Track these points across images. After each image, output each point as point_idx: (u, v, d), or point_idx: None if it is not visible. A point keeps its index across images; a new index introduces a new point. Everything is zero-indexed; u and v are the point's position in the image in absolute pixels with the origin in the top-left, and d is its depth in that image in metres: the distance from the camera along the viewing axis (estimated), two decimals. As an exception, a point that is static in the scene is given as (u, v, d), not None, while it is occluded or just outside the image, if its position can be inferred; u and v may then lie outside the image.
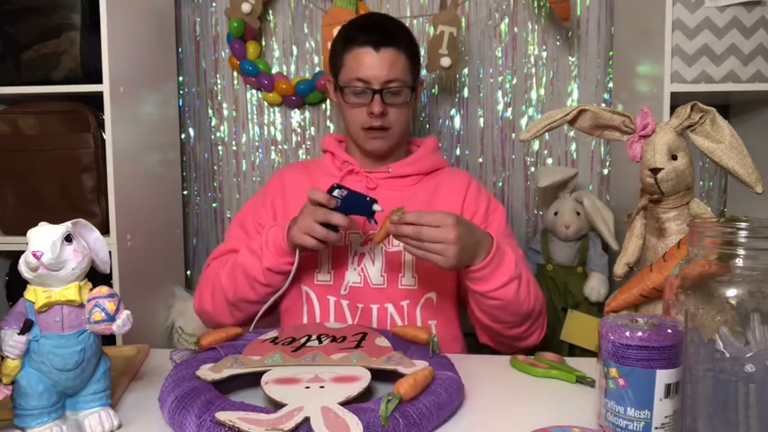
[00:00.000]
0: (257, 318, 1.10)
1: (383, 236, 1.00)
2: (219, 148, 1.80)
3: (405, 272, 1.14)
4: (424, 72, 1.69)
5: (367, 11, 1.59)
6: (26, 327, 0.67)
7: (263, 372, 0.76)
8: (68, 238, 0.68)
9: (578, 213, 1.53)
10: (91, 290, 0.70)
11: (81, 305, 0.69)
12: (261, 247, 1.08)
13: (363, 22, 1.24)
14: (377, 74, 1.15)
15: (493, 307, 1.04)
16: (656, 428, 0.62)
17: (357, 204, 1.03)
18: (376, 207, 1.03)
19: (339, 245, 1.15)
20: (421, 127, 1.76)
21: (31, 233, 0.67)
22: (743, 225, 0.63)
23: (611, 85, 1.69)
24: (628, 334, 0.62)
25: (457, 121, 1.75)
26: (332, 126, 1.76)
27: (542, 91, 1.71)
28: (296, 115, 1.78)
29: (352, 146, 1.27)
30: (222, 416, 0.65)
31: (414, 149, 1.29)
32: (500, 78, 1.72)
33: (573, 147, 1.72)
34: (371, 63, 1.15)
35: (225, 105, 1.79)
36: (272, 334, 0.91)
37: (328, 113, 1.76)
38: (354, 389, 0.71)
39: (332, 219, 1.02)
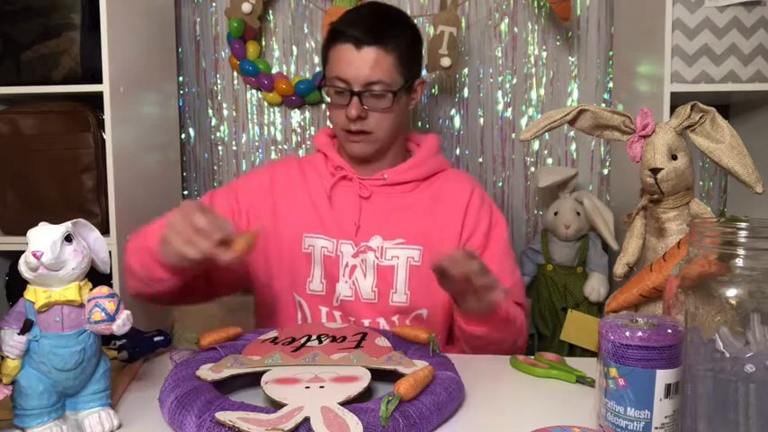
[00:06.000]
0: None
1: (243, 248, 0.82)
2: (219, 148, 1.80)
3: (397, 288, 1.11)
4: (424, 72, 1.69)
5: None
6: (26, 327, 0.67)
7: (263, 372, 0.76)
8: (68, 238, 0.68)
9: (578, 213, 1.53)
10: (91, 290, 0.69)
11: (81, 305, 0.68)
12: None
13: (353, 16, 1.14)
14: (357, 74, 1.07)
15: (472, 337, 1.03)
16: (656, 428, 0.62)
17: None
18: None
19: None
20: (421, 127, 1.76)
21: (31, 233, 0.67)
22: (743, 225, 0.63)
23: (611, 85, 1.69)
24: (628, 334, 0.62)
25: (457, 121, 1.74)
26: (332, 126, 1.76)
27: (542, 91, 1.71)
28: (296, 115, 1.78)
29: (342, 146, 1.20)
30: (222, 416, 0.65)
31: (413, 149, 1.22)
32: (500, 78, 1.72)
33: (573, 147, 1.72)
34: (351, 62, 1.07)
35: (225, 105, 1.79)
36: (272, 334, 0.91)
37: (328, 113, 1.76)
38: (354, 389, 0.71)
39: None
